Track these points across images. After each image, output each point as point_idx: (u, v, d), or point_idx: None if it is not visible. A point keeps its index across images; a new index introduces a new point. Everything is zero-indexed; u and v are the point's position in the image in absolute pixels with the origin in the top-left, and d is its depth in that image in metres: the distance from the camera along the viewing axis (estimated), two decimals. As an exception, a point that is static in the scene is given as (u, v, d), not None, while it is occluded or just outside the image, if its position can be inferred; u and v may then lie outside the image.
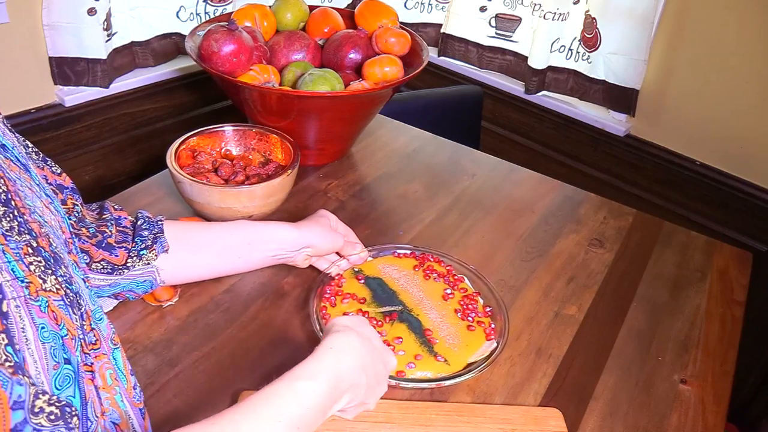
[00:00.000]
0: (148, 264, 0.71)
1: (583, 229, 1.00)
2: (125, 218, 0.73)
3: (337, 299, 0.77)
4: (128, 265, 0.69)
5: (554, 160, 1.77)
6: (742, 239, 1.46)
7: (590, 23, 1.55)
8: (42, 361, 0.40)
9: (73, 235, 0.58)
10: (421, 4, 1.85)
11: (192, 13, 1.50)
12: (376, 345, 0.59)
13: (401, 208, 1.02)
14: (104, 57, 1.32)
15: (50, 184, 0.62)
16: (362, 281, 0.80)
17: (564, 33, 1.61)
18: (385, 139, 1.22)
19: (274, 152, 0.98)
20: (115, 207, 0.74)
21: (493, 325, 0.76)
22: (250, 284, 0.82)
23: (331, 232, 0.81)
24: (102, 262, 0.67)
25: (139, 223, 0.73)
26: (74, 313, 0.46)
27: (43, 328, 0.41)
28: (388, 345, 0.71)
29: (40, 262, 0.44)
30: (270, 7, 1.12)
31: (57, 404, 0.38)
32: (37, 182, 0.54)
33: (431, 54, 1.67)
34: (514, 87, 1.75)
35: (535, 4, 1.60)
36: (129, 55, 1.43)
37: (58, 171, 0.65)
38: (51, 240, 0.48)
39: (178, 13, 1.47)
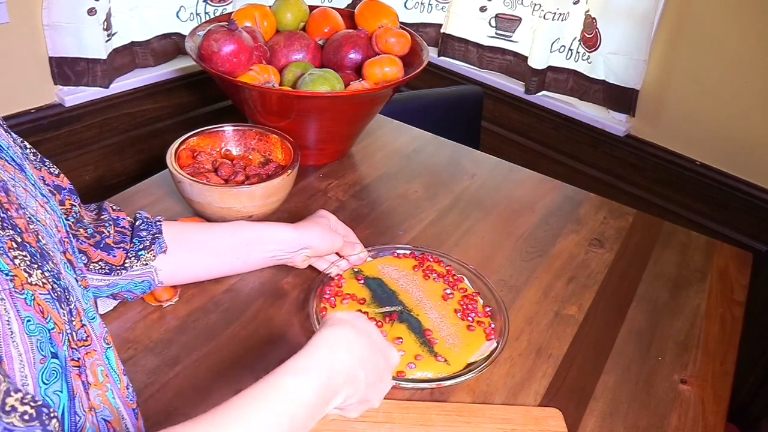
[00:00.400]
0: (146, 264, 0.71)
1: (583, 229, 1.00)
2: (123, 219, 0.73)
3: (337, 300, 0.77)
4: (126, 265, 0.69)
5: (554, 160, 1.77)
6: (742, 239, 1.46)
7: (590, 23, 1.55)
8: (28, 354, 0.40)
9: (71, 236, 0.58)
10: (421, 4, 1.85)
11: (192, 13, 1.50)
12: (376, 339, 0.56)
13: (401, 208, 1.02)
14: (104, 57, 1.32)
15: (48, 185, 0.62)
16: (362, 281, 0.80)
17: (564, 33, 1.61)
18: (385, 139, 1.22)
19: (274, 152, 0.98)
20: (114, 207, 0.74)
21: (492, 325, 0.76)
22: (249, 284, 0.82)
23: (330, 232, 0.81)
24: (100, 263, 0.67)
25: (137, 223, 0.73)
26: (62, 308, 0.45)
27: (29, 321, 0.41)
28: None
29: (25, 256, 0.43)
30: (270, 7, 1.12)
31: (32, 404, 0.36)
32: (33, 182, 0.54)
33: (431, 54, 1.67)
34: (514, 87, 1.75)
35: (535, 4, 1.60)
36: (129, 55, 1.43)
37: (56, 172, 0.65)
38: (39, 237, 0.47)
39: (178, 13, 1.47)
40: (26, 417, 0.35)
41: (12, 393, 0.35)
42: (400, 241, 0.93)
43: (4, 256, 0.41)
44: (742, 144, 1.43)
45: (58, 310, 0.44)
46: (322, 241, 0.79)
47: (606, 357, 0.77)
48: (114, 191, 0.98)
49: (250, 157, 0.98)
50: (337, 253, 0.84)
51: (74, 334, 0.48)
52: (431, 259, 0.86)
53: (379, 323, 0.74)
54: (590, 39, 1.57)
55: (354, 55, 1.07)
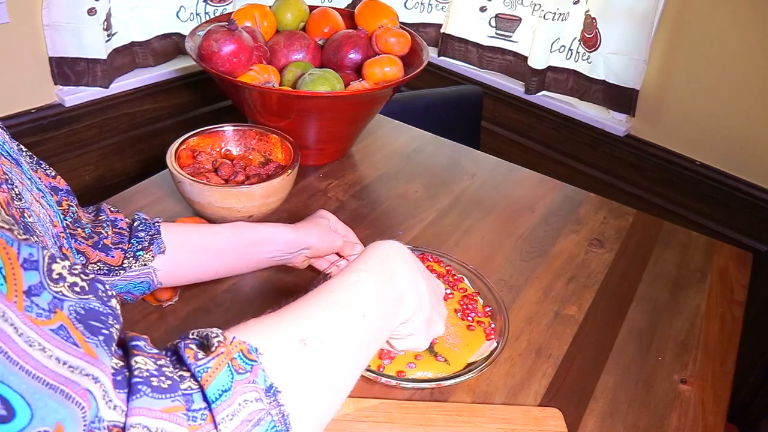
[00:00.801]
0: (145, 265, 0.71)
1: (583, 229, 1.00)
2: (121, 220, 0.73)
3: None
4: (124, 266, 0.69)
5: (554, 160, 1.77)
6: (742, 239, 1.46)
7: (590, 23, 1.55)
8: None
9: (68, 233, 0.58)
10: (421, 4, 1.85)
11: (192, 13, 1.50)
12: (420, 262, 0.57)
13: (401, 208, 1.02)
14: (104, 57, 1.32)
15: (45, 186, 0.62)
16: (362, 281, 0.80)
17: (564, 33, 1.61)
18: (385, 139, 1.22)
19: (274, 152, 0.98)
20: (112, 209, 0.74)
21: (492, 325, 0.76)
22: (250, 284, 0.82)
23: (330, 233, 0.81)
24: (98, 263, 0.67)
25: (135, 224, 0.73)
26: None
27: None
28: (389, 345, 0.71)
29: (8, 219, 0.43)
30: (270, 7, 1.12)
31: (84, 276, 0.33)
32: (29, 176, 0.54)
33: (431, 54, 1.67)
34: (514, 87, 1.75)
35: (535, 4, 1.61)
36: (129, 55, 1.43)
37: (53, 173, 0.65)
38: (26, 214, 0.47)
39: (178, 13, 1.47)
40: (77, 289, 0.32)
41: (58, 260, 0.32)
42: (400, 241, 0.93)
43: None
44: (742, 144, 1.43)
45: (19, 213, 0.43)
46: (321, 242, 0.79)
47: (606, 357, 0.77)
48: (114, 191, 0.98)
49: (250, 157, 0.98)
50: (337, 254, 0.84)
51: None
52: (431, 259, 0.86)
53: None
54: (590, 39, 1.57)
55: (354, 55, 1.07)
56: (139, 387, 0.32)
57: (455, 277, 0.83)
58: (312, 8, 1.14)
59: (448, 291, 0.80)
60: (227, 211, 0.86)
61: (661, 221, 1.05)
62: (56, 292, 0.31)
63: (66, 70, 1.31)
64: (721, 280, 0.93)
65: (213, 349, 0.37)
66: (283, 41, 1.07)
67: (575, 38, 1.61)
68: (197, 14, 1.52)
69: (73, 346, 0.30)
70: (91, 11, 1.25)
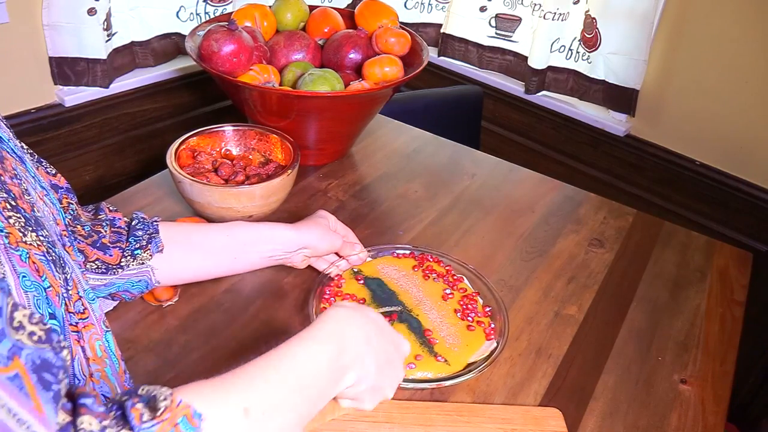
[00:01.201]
0: (143, 264, 0.71)
1: (583, 229, 1.00)
2: (120, 219, 0.73)
3: (337, 300, 0.77)
4: (122, 264, 0.69)
5: (554, 160, 1.77)
6: (742, 239, 1.46)
7: (590, 23, 1.55)
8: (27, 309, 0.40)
9: (69, 231, 0.58)
10: (421, 4, 1.85)
11: (192, 13, 1.50)
12: (383, 327, 0.57)
13: (401, 208, 1.02)
14: (104, 57, 1.32)
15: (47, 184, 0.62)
16: (361, 282, 0.80)
17: (564, 33, 1.61)
18: (385, 139, 1.22)
19: (274, 152, 0.98)
20: (110, 208, 0.74)
21: (492, 325, 0.76)
22: (250, 284, 0.82)
23: (329, 232, 0.81)
24: (96, 262, 0.67)
25: (133, 223, 0.73)
26: (57, 272, 0.45)
27: (24, 277, 0.40)
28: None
29: (19, 218, 0.43)
30: (270, 7, 1.12)
31: (42, 326, 0.33)
32: (33, 174, 0.54)
33: (431, 54, 1.67)
34: (514, 87, 1.75)
35: (535, 4, 1.60)
36: (129, 55, 1.43)
37: (53, 171, 0.65)
38: (35, 208, 0.47)
39: (178, 13, 1.47)
40: (35, 338, 0.32)
41: (20, 308, 0.33)
42: (400, 241, 0.93)
43: None
44: (742, 144, 1.43)
45: (54, 272, 0.44)
46: (320, 241, 0.79)
47: (606, 357, 0.77)
48: (114, 191, 0.98)
49: (250, 157, 0.98)
50: (336, 254, 0.84)
51: (70, 300, 0.47)
52: (431, 259, 0.86)
53: None
54: (590, 39, 1.56)
55: (354, 55, 1.07)
56: None
57: (455, 277, 0.83)
58: (312, 8, 1.14)
59: (448, 291, 0.80)
60: (227, 211, 0.86)
61: (661, 221, 1.05)
62: (16, 340, 0.31)
63: (66, 70, 1.31)
64: (721, 280, 0.93)
65: (159, 413, 0.37)
66: (283, 41, 1.07)
67: (575, 38, 1.61)
68: (197, 14, 1.51)
69: (24, 398, 0.30)
70: (91, 11, 1.25)
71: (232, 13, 1.09)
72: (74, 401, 0.35)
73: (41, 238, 0.45)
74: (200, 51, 0.98)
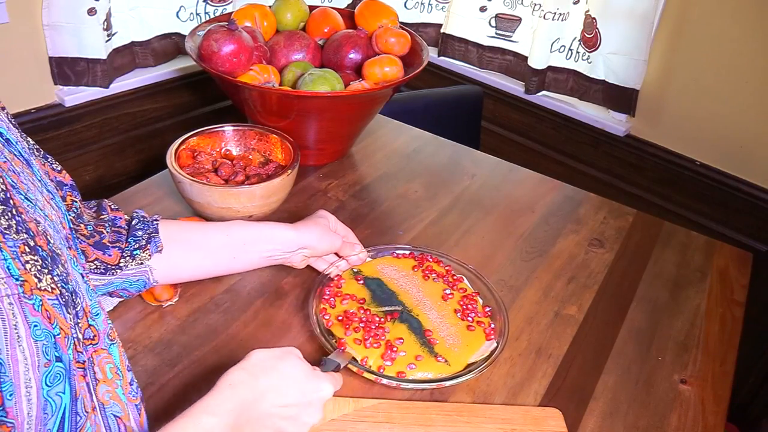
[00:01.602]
0: (141, 264, 0.71)
1: (583, 229, 1.00)
2: (120, 218, 0.73)
3: (337, 300, 0.77)
4: (121, 265, 0.69)
5: (554, 160, 1.76)
6: (742, 239, 1.46)
7: (590, 23, 1.55)
8: (33, 358, 0.40)
9: (72, 231, 0.58)
10: (421, 4, 1.85)
11: (192, 13, 1.50)
12: (294, 376, 0.57)
13: (401, 208, 1.02)
14: (104, 57, 1.32)
15: (51, 180, 0.62)
16: (361, 282, 0.80)
17: (564, 33, 1.61)
18: (385, 139, 1.22)
19: (274, 152, 0.98)
20: (112, 207, 0.74)
21: (492, 325, 0.76)
22: (250, 284, 0.82)
23: (329, 233, 0.81)
24: (95, 262, 0.67)
25: (133, 222, 0.73)
26: (68, 313, 0.46)
27: (35, 326, 0.41)
28: (390, 346, 0.71)
29: (36, 261, 0.44)
30: (270, 7, 1.12)
31: None
32: (39, 177, 0.54)
33: (431, 54, 1.67)
34: (514, 87, 1.75)
35: (535, 4, 1.60)
36: (129, 55, 1.43)
37: (58, 168, 0.65)
38: (49, 238, 0.48)
39: (178, 13, 1.47)
40: None
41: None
42: (400, 241, 0.93)
43: (17, 260, 0.41)
44: (742, 144, 1.43)
45: (65, 315, 0.45)
46: (320, 242, 0.79)
47: (606, 357, 0.77)
48: (114, 191, 0.98)
49: (250, 157, 0.98)
50: (336, 254, 0.84)
51: (80, 336, 0.48)
52: (430, 260, 0.86)
53: (382, 320, 0.74)
54: (590, 39, 1.56)
55: (354, 55, 1.07)
56: None
57: (455, 277, 0.83)
58: (312, 8, 1.14)
59: (448, 291, 0.80)
60: (227, 211, 0.86)
61: (661, 221, 1.05)
62: None
63: (66, 70, 1.31)
64: (721, 280, 0.93)
65: None
66: (283, 41, 1.07)
67: (575, 38, 1.61)
68: (197, 14, 1.51)
69: None
70: (91, 11, 1.25)
71: (232, 13, 1.09)
72: None
73: (56, 278, 0.45)
74: (200, 51, 0.98)
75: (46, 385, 0.42)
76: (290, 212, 0.97)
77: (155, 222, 0.74)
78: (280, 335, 0.75)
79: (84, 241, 0.66)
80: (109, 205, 0.74)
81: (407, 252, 0.87)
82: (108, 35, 1.33)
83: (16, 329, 0.40)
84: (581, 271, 0.91)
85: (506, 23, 1.74)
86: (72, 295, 0.48)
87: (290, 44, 1.07)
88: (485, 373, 0.72)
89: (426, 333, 0.73)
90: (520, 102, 1.76)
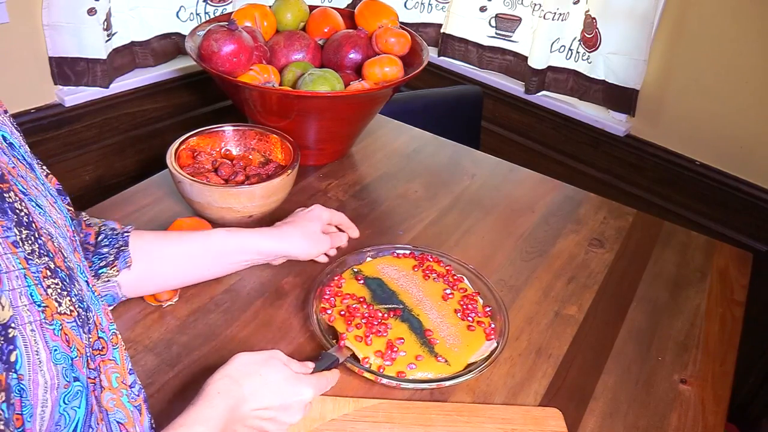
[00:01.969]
0: (108, 281, 0.69)
1: (583, 229, 1.00)
2: (90, 234, 0.71)
3: (337, 300, 0.77)
4: None
5: (554, 160, 1.76)
6: (742, 239, 1.46)
7: (590, 23, 1.55)
8: (53, 381, 0.42)
9: (75, 234, 0.58)
10: (421, 4, 1.85)
11: (192, 13, 1.50)
12: (274, 379, 0.59)
13: (401, 208, 1.02)
14: (104, 57, 1.32)
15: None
16: (361, 281, 0.80)
17: (564, 33, 1.61)
18: (385, 139, 1.22)
19: (274, 152, 0.98)
20: (87, 222, 0.72)
21: (493, 325, 0.76)
22: (250, 284, 0.82)
23: (314, 239, 0.79)
24: None
25: (99, 239, 0.70)
26: (84, 333, 0.47)
27: (56, 350, 0.42)
28: (391, 345, 0.71)
29: (57, 284, 0.44)
30: (270, 7, 1.12)
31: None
32: (42, 182, 0.54)
33: (431, 54, 1.67)
34: (514, 87, 1.75)
35: (535, 4, 1.60)
36: (129, 55, 1.43)
37: (45, 172, 0.64)
38: (64, 252, 0.48)
39: (178, 13, 1.47)
40: None
41: None
42: (400, 241, 0.93)
43: (39, 286, 0.42)
44: (742, 144, 1.43)
45: (81, 336, 0.46)
46: (302, 251, 0.79)
47: (606, 357, 0.77)
48: (114, 191, 0.98)
49: (250, 157, 0.98)
50: (337, 227, 0.85)
51: (92, 349, 0.49)
52: (431, 259, 0.86)
53: (384, 315, 0.75)
54: (590, 39, 1.56)
55: (354, 55, 1.07)
56: None
57: (455, 277, 0.83)
58: (312, 8, 1.14)
59: (448, 291, 0.80)
60: (227, 211, 0.86)
61: (661, 221, 1.05)
62: None
63: (66, 70, 1.31)
64: (721, 280, 0.93)
65: None
66: (283, 41, 1.07)
67: (575, 38, 1.61)
68: (197, 14, 1.51)
69: None
70: (91, 11, 1.25)
71: (232, 13, 1.09)
72: None
73: (73, 299, 0.46)
74: (200, 51, 0.98)
75: (64, 403, 0.43)
76: (290, 212, 0.96)
77: (126, 234, 0.71)
78: (280, 335, 0.75)
79: None
80: (84, 221, 0.72)
81: (407, 252, 0.87)
82: (108, 35, 1.33)
83: (38, 355, 0.40)
84: (581, 271, 0.91)
85: (506, 23, 1.74)
86: (86, 312, 0.48)
87: (290, 44, 1.07)
88: (485, 373, 0.72)
89: (426, 333, 0.73)
90: (520, 102, 1.76)
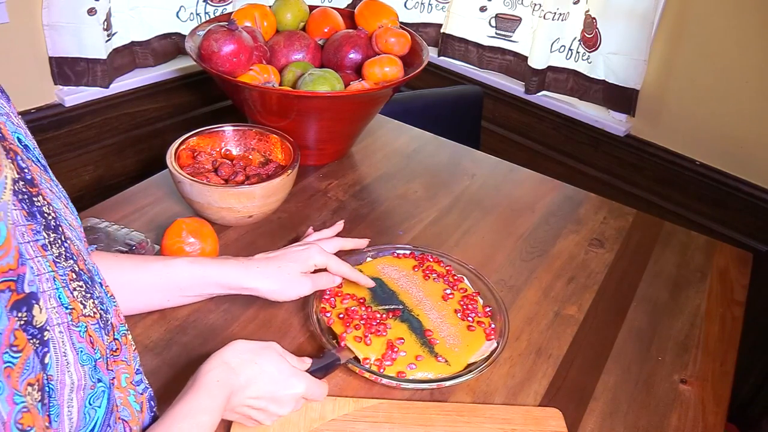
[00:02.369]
0: None
1: (583, 229, 1.00)
2: None
3: (337, 300, 0.77)
4: None
5: (554, 160, 1.77)
6: (742, 239, 1.46)
7: (590, 23, 1.55)
8: (80, 381, 0.42)
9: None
10: (421, 4, 1.85)
11: (192, 13, 1.50)
12: (269, 369, 0.59)
13: (401, 208, 1.02)
14: (104, 57, 1.32)
15: None
16: (362, 281, 0.80)
17: (564, 33, 1.61)
18: (385, 139, 1.22)
19: (274, 152, 0.98)
20: None
21: (493, 325, 0.76)
22: (250, 284, 0.82)
23: (286, 281, 0.72)
24: None
25: None
26: (105, 335, 0.48)
27: (81, 351, 0.43)
28: (391, 346, 0.71)
29: (81, 286, 0.45)
30: (270, 7, 1.12)
31: None
32: (55, 183, 0.54)
33: (431, 54, 1.67)
34: (514, 87, 1.75)
35: (535, 4, 1.60)
36: (129, 55, 1.43)
37: None
38: (84, 255, 0.49)
39: (178, 13, 1.47)
40: None
41: None
42: (400, 241, 0.93)
43: (66, 289, 0.43)
44: (742, 144, 1.43)
45: (103, 338, 0.47)
46: (269, 291, 0.72)
47: (606, 357, 0.77)
48: (114, 191, 0.98)
49: (250, 157, 0.98)
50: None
51: (109, 350, 0.49)
52: (431, 260, 0.86)
53: (384, 315, 0.75)
54: (590, 39, 1.56)
55: (354, 55, 1.07)
56: None
57: (455, 277, 0.83)
58: (312, 8, 1.14)
59: (448, 291, 0.80)
60: (227, 211, 0.86)
61: (661, 221, 1.05)
62: None
63: (66, 70, 1.31)
64: (721, 280, 0.93)
65: None
66: (283, 41, 1.07)
67: (575, 38, 1.61)
68: (197, 14, 1.51)
69: None
70: (91, 11, 1.25)
71: (232, 13, 1.09)
72: None
73: (96, 301, 0.47)
74: (200, 51, 0.98)
75: (89, 404, 0.43)
76: (290, 212, 0.97)
77: None
78: (280, 335, 0.75)
79: None
80: None
81: (408, 252, 0.87)
82: (108, 35, 1.33)
83: (65, 356, 0.41)
84: (581, 271, 0.91)
85: (506, 23, 1.74)
86: (106, 314, 0.49)
87: (290, 44, 1.07)
88: (485, 373, 0.72)
89: (426, 333, 0.73)
90: (520, 102, 1.76)
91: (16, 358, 0.35)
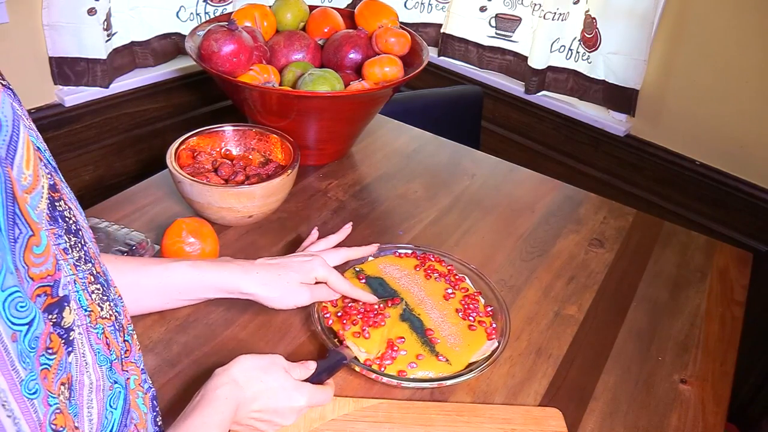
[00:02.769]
0: None
1: (583, 229, 1.00)
2: None
3: (338, 299, 0.77)
4: None
5: (554, 160, 1.77)
6: (742, 239, 1.46)
7: (590, 23, 1.55)
8: (99, 382, 0.43)
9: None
10: (421, 4, 1.85)
11: (192, 13, 1.50)
12: (274, 386, 0.60)
13: (401, 208, 1.02)
14: (104, 57, 1.32)
15: None
16: (363, 281, 0.80)
17: (564, 33, 1.61)
18: (385, 139, 1.22)
19: (274, 152, 0.98)
20: None
21: (494, 325, 0.76)
22: (250, 284, 0.82)
23: (284, 289, 0.72)
24: None
25: None
26: (119, 336, 0.48)
27: (99, 353, 0.43)
28: (392, 344, 0.71)
29: (98, 289, 0.46)
30: (270, 7, 1.12)
31: None
32: (66, 185, 0.54)
33: (431, 54, 1.67)
34: (514, 87, 1.75)
35: (535, 4, 1.60)
36: (129, 55, 1.43)
37: None
38: (99, 257, 0.49)
39: (178, 13, 1.47)
40: None
41: None
42: (401, 241, 0.93)
43: (85, 291, 0.43)
44: (742, 144, 1.43)
45: (118, 340, 0.47)
46: (267, 297, 0.72)
47: (606, 357, 0.77)
48: (114, 191, 0.98)
49: (250, 157, 0.98)
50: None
51: (121, 347, 0.49)
52: (433, 259, 0.86)
53: (381, 306, 0.75)
54: (590, 39, 1.57)
55: (354, 55, 1.07)
56: None
57: (457, 277, 0.83)
58: (312, 8, 1.14)
59: (450, 291, 0.80)
60: (227, 211, 0.86)
61: (661, 221, 1.05)
62: None
63: (66, 70, 1.31)
64: (721, 280, 0.93)
65: None
66: (283, 41, 1.07)
67: (575, 38, 1.61)
68: (197, 14, 1.51)
69: None
70: (91, 11, 1.25)
71: (232, 13, 1.09)
72: None
73: (111, 304, 0.47)
74: (200, 51, 0.98)
75: (110, 406, 0.44)
76: (290, 212, 0.97)
77: None
78: (280, 335, 0.75)
79: None
80: None
81: (409, 251, 0.87)
82: (108, 35, 1.33)
83: (84, 357, 0.42)
84: (581, 271, 0.91)
85: (506, 23, 1.74)
86: (119, 316, 0.49)
87: (290, 44, 1.07)
88: (485, 372, 0.72)
89: (427, 332, 0.73)
90: (520, 102, 1.76)
91: (52, 360, 0.36)
